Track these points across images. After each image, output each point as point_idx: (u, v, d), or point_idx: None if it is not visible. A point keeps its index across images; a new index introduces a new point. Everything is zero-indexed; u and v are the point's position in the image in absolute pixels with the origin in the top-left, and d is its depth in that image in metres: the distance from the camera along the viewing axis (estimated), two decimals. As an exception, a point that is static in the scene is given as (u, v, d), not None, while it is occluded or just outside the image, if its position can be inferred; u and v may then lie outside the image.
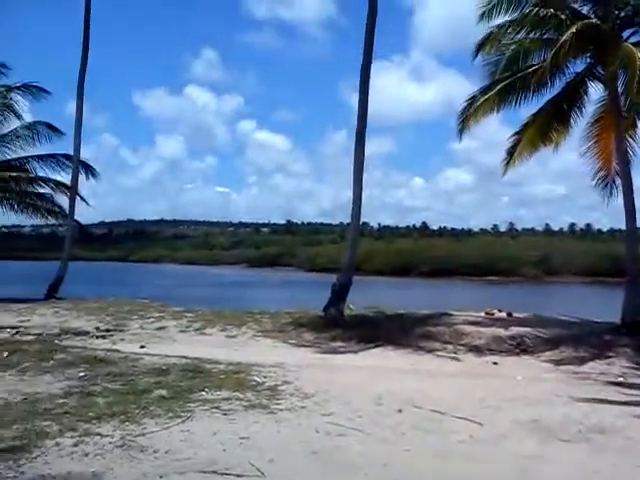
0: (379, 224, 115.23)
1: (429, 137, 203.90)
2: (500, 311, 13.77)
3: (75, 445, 4.93)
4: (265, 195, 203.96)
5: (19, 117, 18.81)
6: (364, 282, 24.94)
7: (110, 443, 5.00)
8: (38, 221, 20.99)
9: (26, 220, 20.81)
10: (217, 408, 6.23)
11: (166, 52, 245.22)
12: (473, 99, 13.48)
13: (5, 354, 9.00)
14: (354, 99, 14.54)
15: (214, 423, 5.74)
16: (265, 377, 7.75)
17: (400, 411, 6.36)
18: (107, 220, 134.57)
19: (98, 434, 5.22)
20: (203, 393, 6.84)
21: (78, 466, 4.50)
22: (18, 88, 18.55)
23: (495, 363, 10.06)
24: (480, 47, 13.23)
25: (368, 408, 6.47)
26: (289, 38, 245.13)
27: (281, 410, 6.25)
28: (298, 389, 7.18)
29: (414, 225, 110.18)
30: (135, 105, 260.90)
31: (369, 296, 19.80)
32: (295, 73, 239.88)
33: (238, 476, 4.42)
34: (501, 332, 11.31)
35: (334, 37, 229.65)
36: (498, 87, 13.00)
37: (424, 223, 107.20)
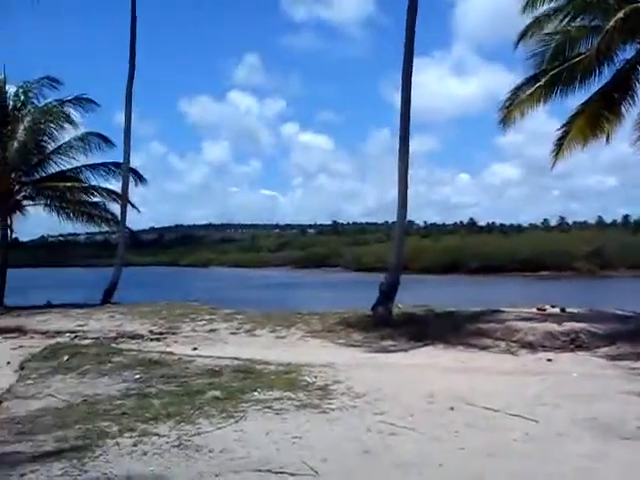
0: (425, 222, 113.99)
1: (473, 132, 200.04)
2: (553, 307, 13.44)
3: (134, 445, 5.07)
4: (310, 196, 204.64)
5: (76, 126, 19.48)
6: (412, 281, 24.79)
7: (167, 443, 5.13)
8: (92, 229, 21.77)
9: (81, 228, 21.52)
10: (269, 408, 6.30)
11: (210, 58, 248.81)
12: (517, 91, 13.23)
13: (66, 357, 9.33)
14: (396, 97, 14.51)
15: (267, 423, 5.80)
16: (315, 377, 7.78)
17: (452, 409, 6.30)
18: (157, 226, 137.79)
19: (155, 434, 5.36)
20: (255, 393, 6.92)
21: (138, 465, 4.64)
22: (70, 101, 19.24)
23: (549, 360, 9.84)
24: (523, 36, 12.98)
25: (420, 406, 6.43)
26: (329, 38, 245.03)
27: (332, 410, 6.27)
28: (349, 388, 7.18)
29: (461, 222, 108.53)
30: (181, 112, 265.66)
31: (417, 294, 19.67)
32: (336, 73, 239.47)
33: (292, 475, 4.46)
34: (555, 328, 11.05)
35: (374, 35, 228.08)
36: (544, 78, 12.72)
37: (471, 219, 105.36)
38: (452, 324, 11.97)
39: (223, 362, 8.84)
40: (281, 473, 4.49)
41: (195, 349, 10.66)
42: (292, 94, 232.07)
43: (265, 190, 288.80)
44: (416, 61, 14.26)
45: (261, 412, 6.16)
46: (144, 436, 5.30)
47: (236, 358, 9.18)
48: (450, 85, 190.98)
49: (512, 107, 13.24)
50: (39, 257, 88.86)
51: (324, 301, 24.81)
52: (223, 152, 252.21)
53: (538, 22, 12.70)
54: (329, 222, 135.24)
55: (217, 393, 6.89)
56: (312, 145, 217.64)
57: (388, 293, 13.36)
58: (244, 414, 6.06)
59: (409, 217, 17.60)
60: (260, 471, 4.53)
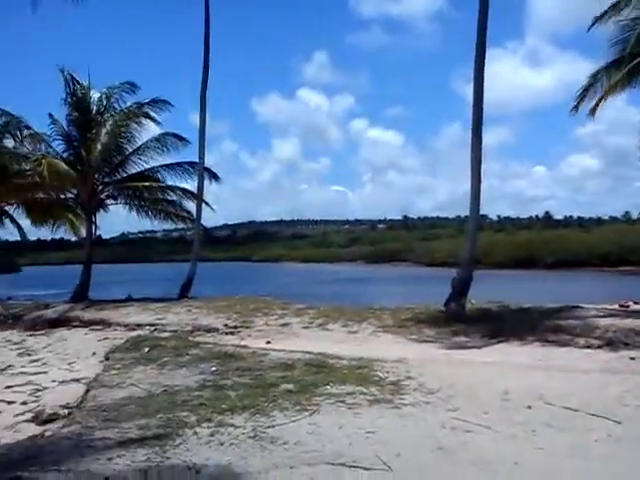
0: (498, 216, 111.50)
1: (548, 123, 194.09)
2: (636, 303, 12.81)
3: (211, 435, 5.24)
4: (380, 192, 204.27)
5: (158, 123, 20.33)
6: (485, 276, 24.19)
7: (243, 434, 5.27)
8: (168, 226, 22.55)
9: (158, 225, 22.30)
10: (342, 402, 6.34)
11: (279, 57, 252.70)
12: (596, 79, 12.66)
13: (146, 349, 9.75)
14: (467, 90, 14.36)
15: (340, 417, 5.85)
16: (388, 372, 7.76)
17: (529, 407, 6.13)
18: (230, 222, 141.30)
19: (232, 425, 5.51)
20: (328, 387, 6.98)
21: (215, 454, 4.79)
22: (148, 103, 19.99)
23: (632, 358, 9.36)
24: (599, 20, 12.39)
25: (495, 404, 6.29)
26: (397, 34, 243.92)
27: (405, 405, 6.25)
28: (422, 384, 7.13)
29: (536, 215, 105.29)
30: (252, 110, 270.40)
31: (491, 290, 19.18)
32: (405, 68, 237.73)
33: (365, 469, 4.47)
34: (638, 325, 10.52)
35: (444, 29, 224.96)
36: (628, 66, 12.08)
37: (547, 213, 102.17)
38: (528, 320, 11.60)
39: (296, 356, 8.96)
40: (354, 467, 4.51)
41: (268, 343, 10.86)
42: (361, 90, 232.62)
43: (335, 186, 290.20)
44: (488, 52, 13.89)
45: (334, 406, 6.21)
46: (221, 426, 5.47)
47: (308, 352, 9.29)
48: (524, 76, 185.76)
49: (590, 95, 12.68)
50: (119, 253, 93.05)
51: (395, 296, 24.60)
52: (293, 149, 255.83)
53: (616, 6, 12.08)
54: (399, 217, 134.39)
55: (290, 386, 7.00)
56: (381, 140, 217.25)
57: (461, 289, 13.13)
58: (317, 408, 6.13)
59: (482, 211, 17.24)
60: (333, 464, 4.57)
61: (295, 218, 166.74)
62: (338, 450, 4.88)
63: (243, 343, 10.66)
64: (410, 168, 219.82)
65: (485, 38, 13.53)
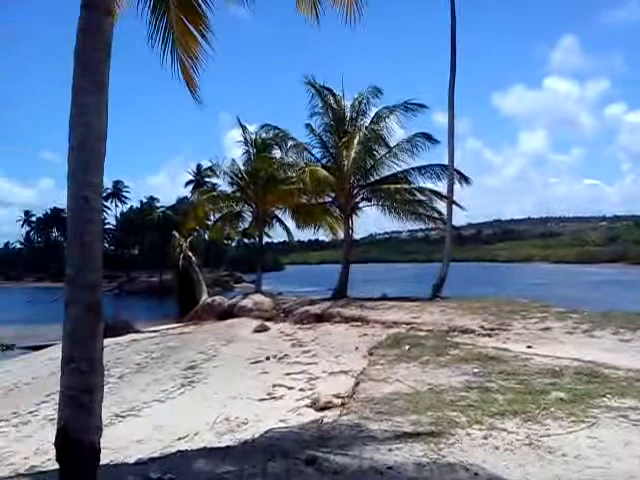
0: None
1: None
2: None
3: (484, 438, 5.19)
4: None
5: (403, 128, 21.00)
6: None
7: (517, 440, 5.12)
8: (414, 226, 22.97)
9: (403, 226, 22.82)
10: (624, 417, 5.77)
11: (522, 47, 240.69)
12: None
13: (407, 347, 10.07)
14: None
15: (623, 433, 5.34)
16: (678, 389, 6.87)
17: None
18: (474, 222, 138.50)
19: (504, 430, 5.39)
20: (605, 399, 6.43)
21: (491, 458, 4.74)
22: (399, 106, 20.62)
23: None
24: None
25: None
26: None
27: None
28: None
29: None
30: (495, 106, 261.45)
31: None
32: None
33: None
34: None
35: None
36: None
37: None
38: None
39: (562, 362, 8.43)
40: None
41: (529, 347, 10.38)
42: (616, 73, 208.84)
43: (588, 179, 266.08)
44: None
45: (615, 420, 5.69)
46: (492, 430, 5.39)
47: (576, 359, 8.66)
48: None
49: None
50: (368, 253, 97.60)
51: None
52: (540, 142, 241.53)
53: None
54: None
55: (561, 395, 6.60)
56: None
57: None
58: (595, 420, 5.68)
59: None
60: (625, 485, 4.20)
61: (544, 215, 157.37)
62: (628, 470, 4.47)
63: (503, 346, 10.35)
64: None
65: None
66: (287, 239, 28.98)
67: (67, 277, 3.77)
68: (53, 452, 6.62)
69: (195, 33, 7.65)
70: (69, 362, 3.67)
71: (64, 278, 3.81)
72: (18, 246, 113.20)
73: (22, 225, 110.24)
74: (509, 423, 5.60)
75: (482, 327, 12.51)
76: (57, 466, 3.76)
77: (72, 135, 3.90)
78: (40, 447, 7.62)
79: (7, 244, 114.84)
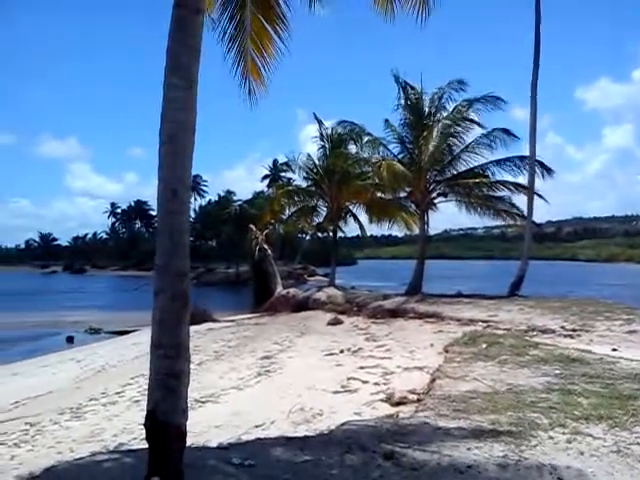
0: None
1: None
2: None
3: (568, 442, 4.99)
4: None
5: (481, 126, 20.45)
6: None
7: (604, 446, 4.90)
8: (492, 223, 22.37)
9: (479, 222, 22.42)
10: None
11: (608, 40, 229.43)
12: None
13: (484, 345, 9.85)
14: None
15: None
16: None
17: None
18: (554, 219, 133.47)
19: (589, 434, 5.18)
20: (701, 409, 6.07)
21: (575, 462, 4.56)
22: (478, 100, 20.12)
23: None
24: None
25: None
26: None
27: None
28: None
29: None
30: (578, 100, 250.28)
31: None
32: None
33: None
34: None
35: None
36: None
37: None
38: None
39: (652, 368, 8.00)
40: None
41: (615, 350, 9.92)
42: None
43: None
44: None
45: None
46: (576, 434, 5.18)
47: (668, 365, 8.20)
48: None
49: None
50: (442, 249, 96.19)
51: None
52: (626, 137, 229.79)
53: None
54: None
55: (652, 401, 6.27)
56: None
57: None
58: (692, 431, 5.37)
59: None
60: None
61: (629, 213, 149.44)
62: None
63: (586, 348, 9.94)
64: None
65: None
66: (360, 234, 29.05)
67: (157, 266, 3.93)
68: (138, 432, 7.02)
69: (271, 32, 7.74)
70: (158, 347, 3.82)
71: (154, 267, 3.97)
72: (104, 236, 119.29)
73: (108, 216, 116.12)
74: (595, 428, 5.37)
75: (563, 327, 12.04)
76: (144, 445, 3.93)
77: (162, 129, 4.05)
78: (127, 427, 8.03)
79: (95, 234, 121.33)
